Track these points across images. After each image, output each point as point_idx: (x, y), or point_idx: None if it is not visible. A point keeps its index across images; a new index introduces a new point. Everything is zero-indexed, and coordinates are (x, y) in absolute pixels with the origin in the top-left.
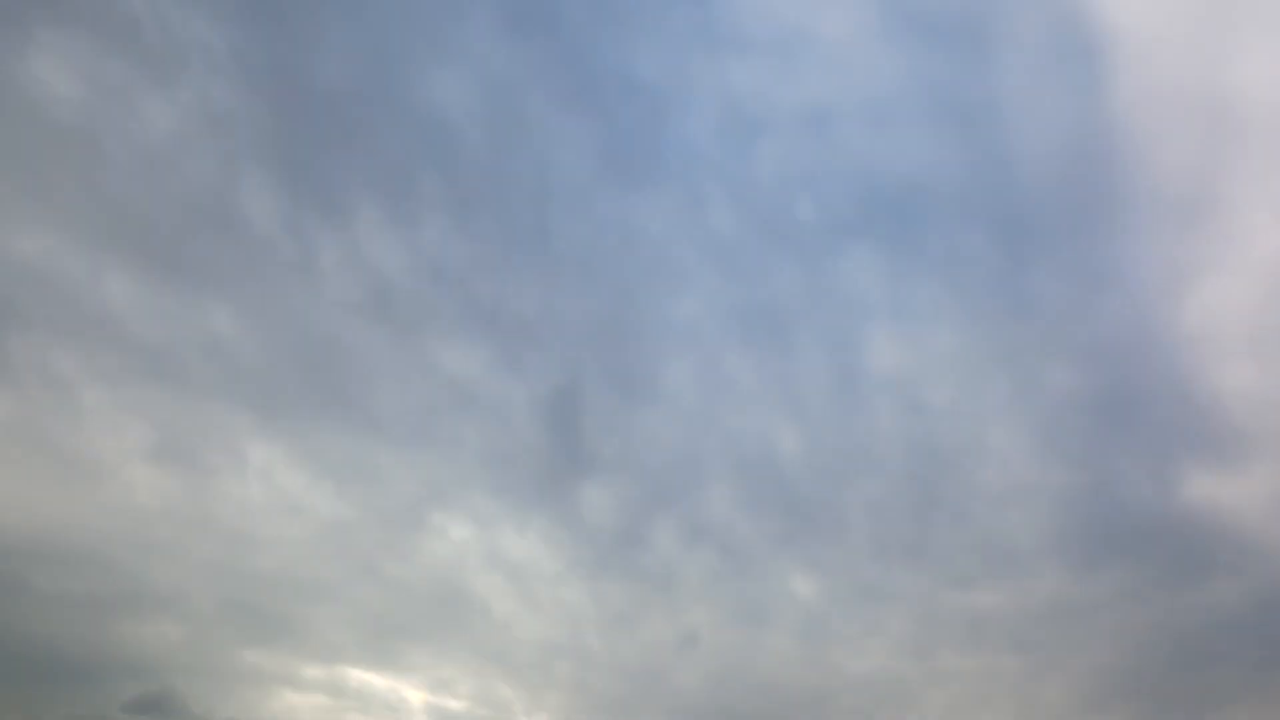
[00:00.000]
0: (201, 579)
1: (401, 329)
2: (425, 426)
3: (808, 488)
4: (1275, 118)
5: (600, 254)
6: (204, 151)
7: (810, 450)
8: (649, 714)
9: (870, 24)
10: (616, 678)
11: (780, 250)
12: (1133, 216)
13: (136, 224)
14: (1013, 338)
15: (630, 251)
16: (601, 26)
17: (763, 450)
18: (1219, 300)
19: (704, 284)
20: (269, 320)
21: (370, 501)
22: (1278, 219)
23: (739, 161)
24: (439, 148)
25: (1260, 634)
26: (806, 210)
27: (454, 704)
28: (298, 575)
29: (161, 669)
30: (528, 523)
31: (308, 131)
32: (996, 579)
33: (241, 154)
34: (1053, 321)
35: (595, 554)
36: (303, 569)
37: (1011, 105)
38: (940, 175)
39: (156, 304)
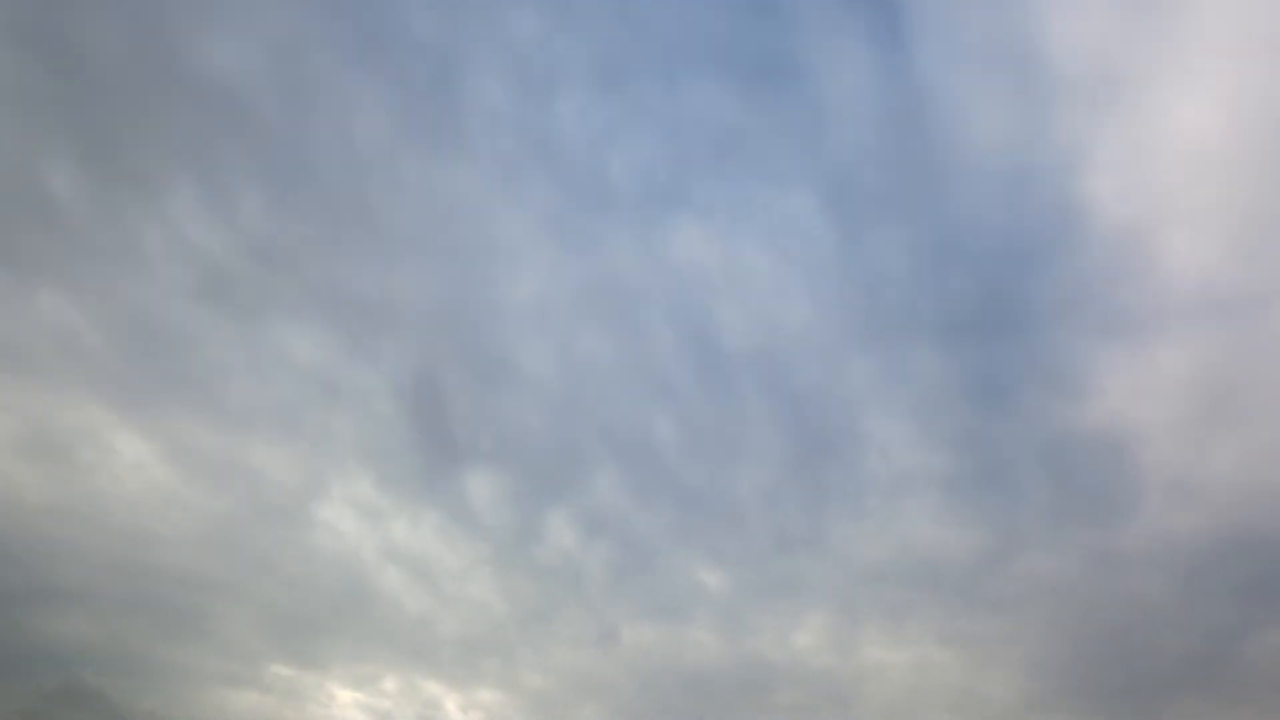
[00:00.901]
0: (105, 575)
1: (242, 315)
2: (291, 419)
3: (694, 477)
4: (1089, 72)
5: (425, 229)
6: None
7: (686, 436)
8: (581, 711)
9: None
10: (545, 675)
11: (605, 219)
12: (958, 185)
13: None
14: (868, 316)
15: (454, 226)
16: None
17: (639, 437)
18: (1067, 270)
19: (538, 259)
20: (107, 309)
21: (251, 496)
22: (1114, 183)
23: (540, 122)
24: (234, 118)
25: (1193, 626)
26: (621, 175)
27: (384, 702)
28: (198, 571)
29: (78, 663)
30: (419, 516)
31: (99, 106)
32: (909, 571)
33: (37, 132)
34: (905, 298)
35: (495, 549)
36: (201, 565)
37: (812, 62)
38: (752, 132)
39: None
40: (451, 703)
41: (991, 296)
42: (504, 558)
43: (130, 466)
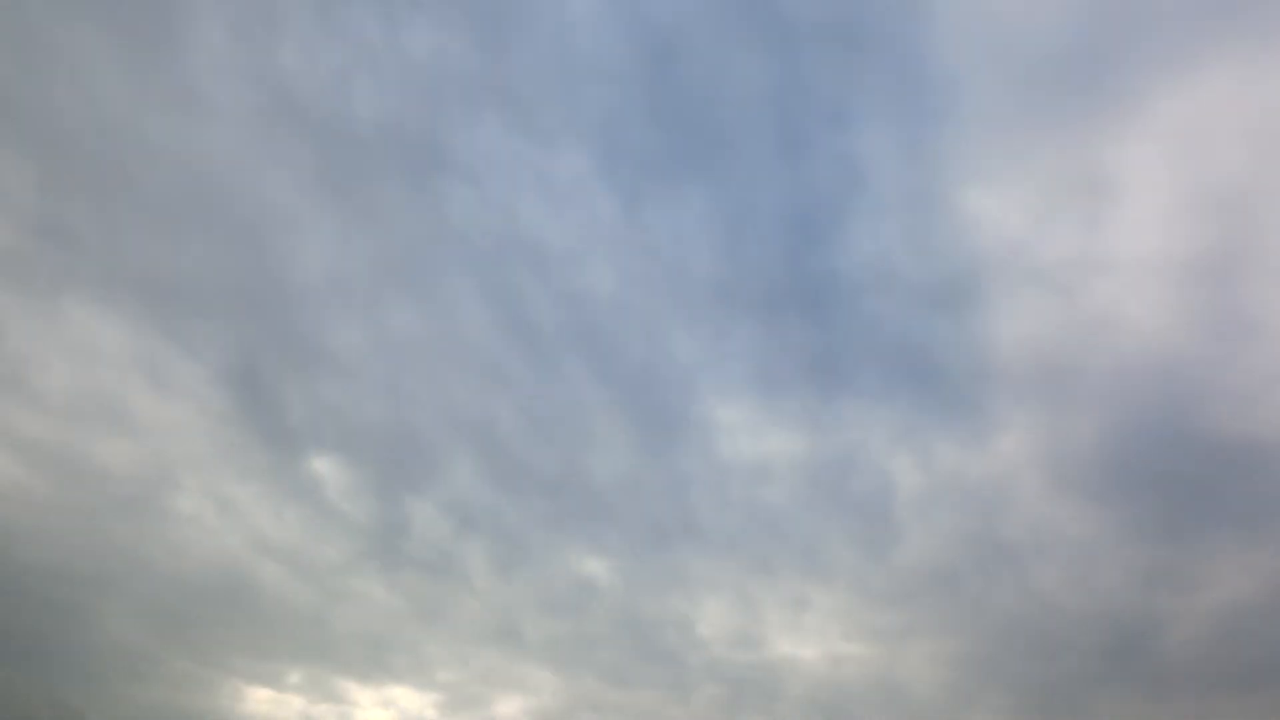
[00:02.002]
0: None
1: (38, 296)
2: (120, 408)
3: (548, 466)
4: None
5: (193, 200)
6: None
7: (527, 420)
8: (499, 706)
9: None
10: (455, 670)
11: (373, 180)
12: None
13: None
14: (675, 289)
15: (219, 193)
16: None
17: (482, 424)
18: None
19: (321, 230)
20: None
21: (100, 489)
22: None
23: (250, 59)
24: None
25: (1098, 619)
26: (371, 128)
27: (294, 697)
28: (69, 566)
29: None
30: (281, 509)
31: None
32: (792, 562)
33: None
34: (711, 271)
35: (369, 543)
36: (70, 560)
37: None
38: (501, 81)
39: None
40: (364, 698)
41: (797, 268)
42: (380, 551)
43: None
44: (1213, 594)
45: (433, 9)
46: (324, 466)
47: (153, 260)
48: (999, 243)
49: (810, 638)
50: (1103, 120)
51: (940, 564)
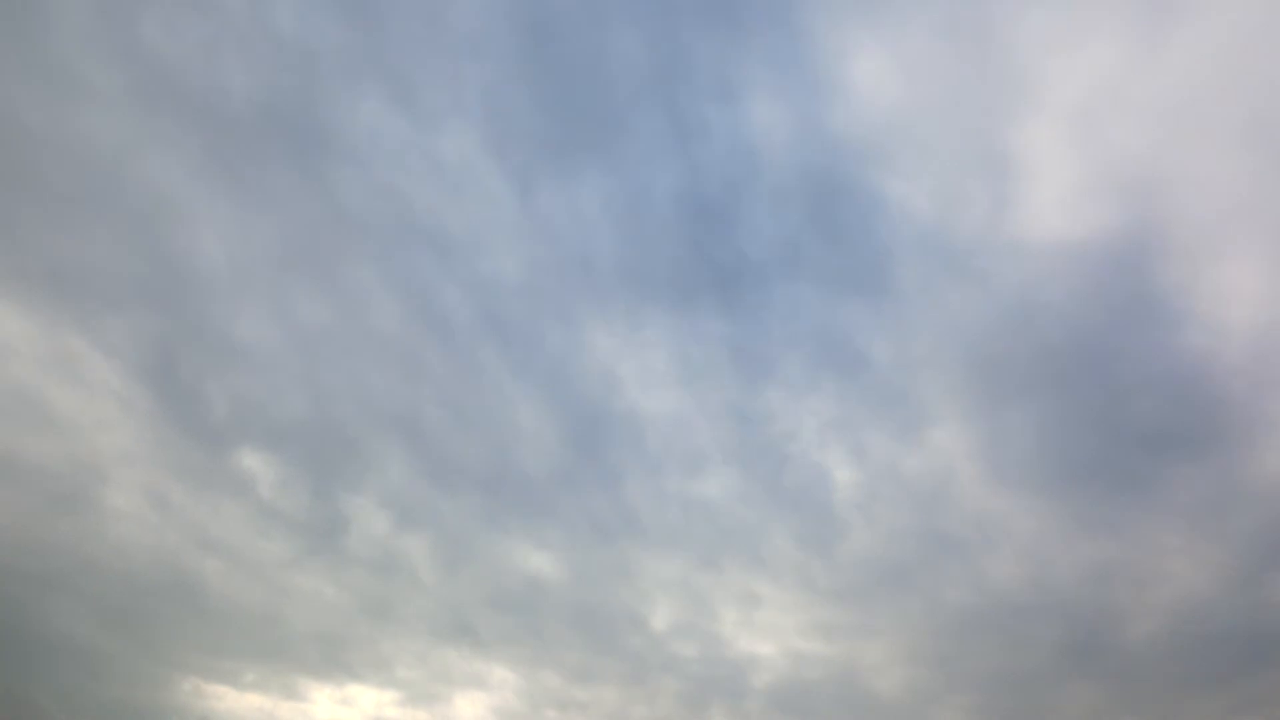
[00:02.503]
0: None
1: None
2: (39, 407)
3: (480, 462)
4: None
5: (83, 188)
6: None
7: (452, 414)
8: (457, 706)
9: None
10: (414, 668)
11: (256, 159)
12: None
13: None
14: (584, 277)
15: (107, 184)
16: None
17: (407, 418)
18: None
19: (214, 214)
20: None
21: (30, 485)
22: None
23: (115, 35)
24: None
25: (1056, 613)
26: (220, 100)
27: (253, 695)
28: (15, 565)
29: None
30: (219, 506)
31: None
32: (737, 558)
33: None
34: (618, 257)
35: (310, 540)
36: (15, 559)
37: None
38: (321, 46)
39: None
40: (323, 695)
41: (703, 252)
42: (323, 548)
43: None
44: (1167, 589)
45: None
46: (254, 462)
47: (55, 253)
48: (908, 227)
49: (767, 634)
50: (1000, 99)
51: (889, 560)
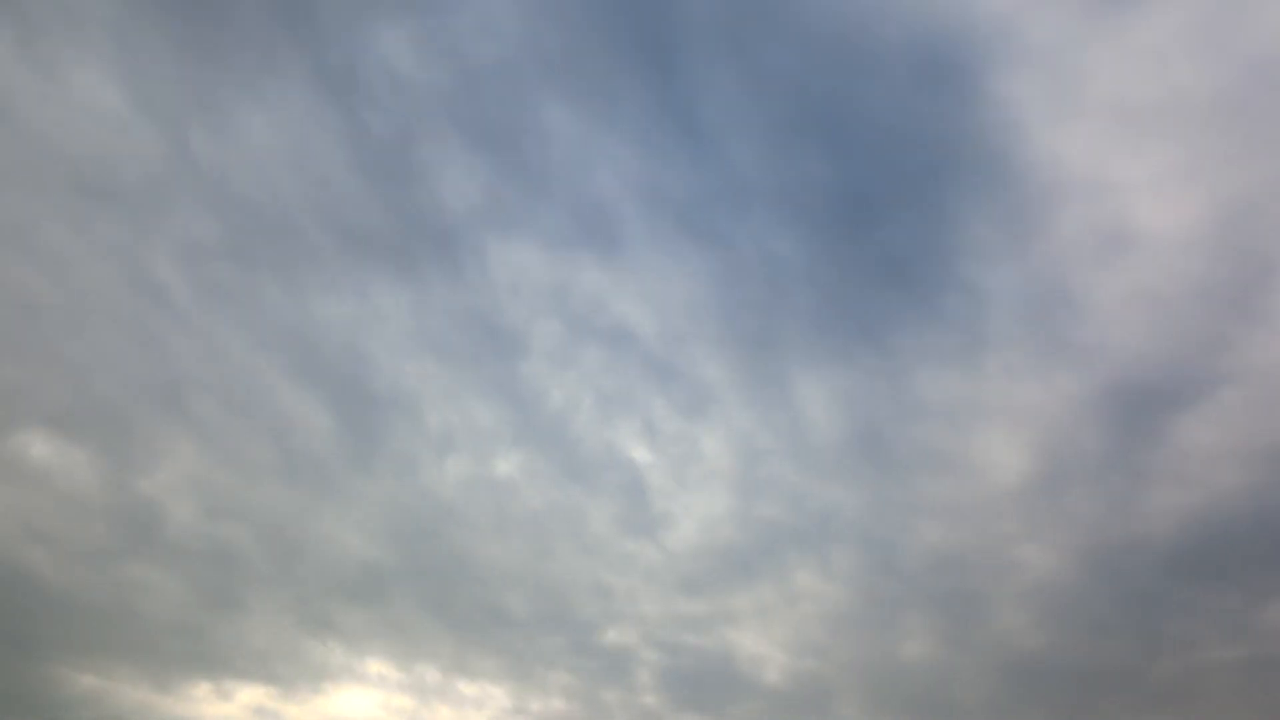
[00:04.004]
0: None
1: None
2: None
3: (264, 444)
4: None
5: None
6: None
7: (217, 396)
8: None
9: None
10: (306, 669)
11: None
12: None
13: None
14: (281, 237)
15: None
16: None
17: (169, 394)
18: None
19: None
20: None
21: None
22: None
23: None
24: None
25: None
26: None
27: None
28: None
29: None
30: (14, 495)
31: None
32: (574, 548)
33: None
34: (299, 214)
35: (132, 531)
36: None
37: None
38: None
39: None
40: (199, 692)
41: (388, 205)
42: (149, 539)
43: None
44: (1026, 576)
45: None
46: (40, 447)
47: None
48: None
49: (633, 625)
50: None
51: (727, 547)
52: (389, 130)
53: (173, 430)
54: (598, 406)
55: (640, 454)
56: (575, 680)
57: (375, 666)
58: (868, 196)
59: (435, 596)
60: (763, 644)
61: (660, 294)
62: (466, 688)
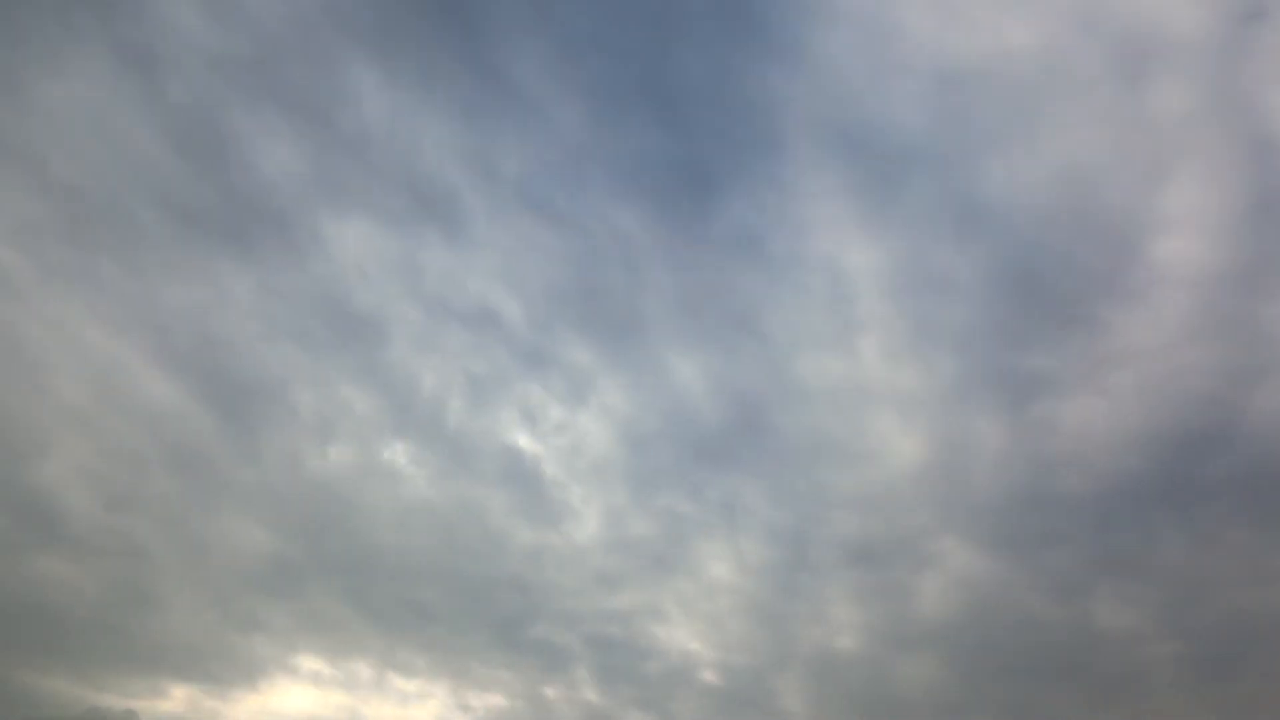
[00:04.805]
0: None
1: None
2: None
3: (144, 439)
4: None
5: None
6: None
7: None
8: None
9: None
10: (238, 666)
11: None
12: None
13: None
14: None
15: None
16: None
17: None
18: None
19: None
20: None
21: None
22: None
23: None
24: None
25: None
26: None
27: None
28: None
29: None
30: None
31: None
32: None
33: None
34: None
35: (38, 525)
36: None
37: None
38: None
39: None
40: (139, 688)
41: (202, 184)
42: (53, 535)
43: None
44: (948, 569)
45: None
46: None
47: None
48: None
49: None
50: None
51: (637, 540)
52: (191, 99)
53: (50, 419)
54: (472, 393)
55: (525, 442)
56: (514, 677)
57: (308, 663)
58: (704, 166)
59: (353, 591)
60: (693, 640)
61: (515, 274)
62: (404, 684)
